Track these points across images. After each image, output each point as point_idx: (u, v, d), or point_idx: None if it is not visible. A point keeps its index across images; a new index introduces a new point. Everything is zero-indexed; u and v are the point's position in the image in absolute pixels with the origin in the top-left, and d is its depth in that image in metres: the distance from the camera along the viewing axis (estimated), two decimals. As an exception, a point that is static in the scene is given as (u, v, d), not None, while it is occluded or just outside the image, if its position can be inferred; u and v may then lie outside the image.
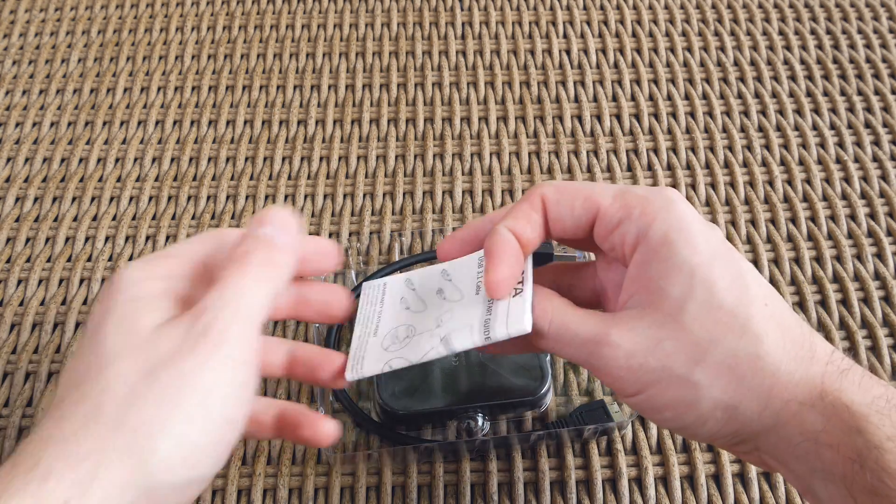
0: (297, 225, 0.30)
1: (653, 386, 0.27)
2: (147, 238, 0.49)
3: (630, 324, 0.28)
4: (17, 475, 0.23)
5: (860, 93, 0.57)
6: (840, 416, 0.26)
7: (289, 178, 0.52)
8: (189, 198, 0.51)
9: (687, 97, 0.57)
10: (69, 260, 0.48)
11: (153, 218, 0.50)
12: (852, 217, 0.51)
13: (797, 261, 0.49)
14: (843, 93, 0.57)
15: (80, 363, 0.26)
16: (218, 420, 0.26)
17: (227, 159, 0.53)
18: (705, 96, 0.57)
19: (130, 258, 0.48)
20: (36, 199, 0.51)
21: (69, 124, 0.55)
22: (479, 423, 0.40)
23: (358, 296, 0.45)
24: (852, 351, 0.45)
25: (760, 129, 0.55)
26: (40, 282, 0.47)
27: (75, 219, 0.50)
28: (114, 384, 0.25)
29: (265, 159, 0.53)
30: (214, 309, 0.26)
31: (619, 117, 0.56)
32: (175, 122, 0.55)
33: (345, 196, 0.51)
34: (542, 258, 0.47)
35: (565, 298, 0.30)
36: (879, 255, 0.49)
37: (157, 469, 0.24)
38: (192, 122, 0.55)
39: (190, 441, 0.25)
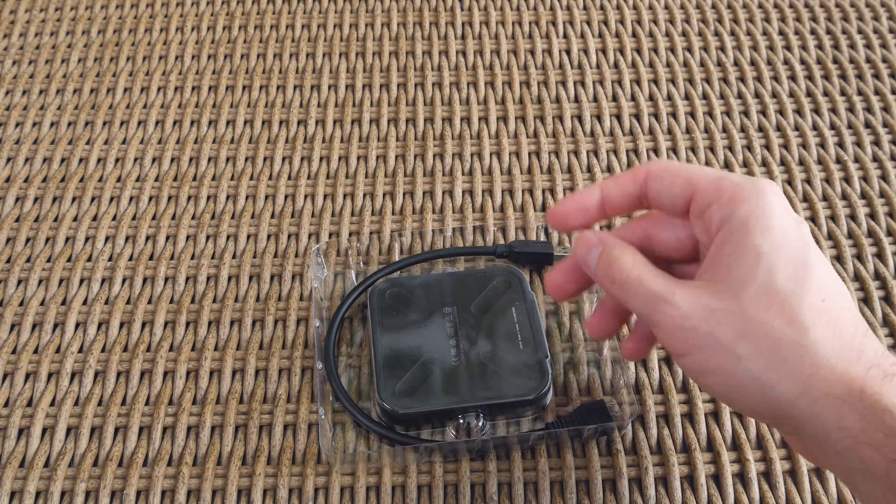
0: None
1: (700, 350, 0.30)
2: (147, 238, 0.49)
3: (694, 291, 0.30)
4: None
5: (860, 93, 0.57)
6: (881, 418, 0.27)
7: (289, 178, 0.52)
8: (189, 198, 0.51)
9: (687, 97, 0.57)
10: (69, 260, 0.48)
11: (153, 218, 0.50)
12: (852, 217, 0.51)
13: (797, 261, 0.49)
14: (843, 93, 0.57)
15: None
16: None
17: (227, 159, 0.53)
18: (705, 96, 0.57)
19: (130, 258, 0.48)
20: (36, 199, 0.51)
21: (69, 124, 0.55)
22: (479, 423, 0.40)
23: (356, 296, 0.45)
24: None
25: (760, 129, 0.55)
26: (40, 282, 0.47)
27: (75, 219, 0.50)
28: None
29: (265, 159, 0.53)
30: None
31: (619, 117, 0.56)
32: (175, 122, 0.55)
33: (345, 196, 0.51)
34: (542, 258, 0.47)
35: (642, 256, 0.33)
36: (879, 255, 0.49)
37: None
38: (192, 122, 0.55)
39: None
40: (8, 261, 0.48)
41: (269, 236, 0.49)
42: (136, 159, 0.53)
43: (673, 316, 0.30)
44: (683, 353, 0.30)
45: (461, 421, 0.40)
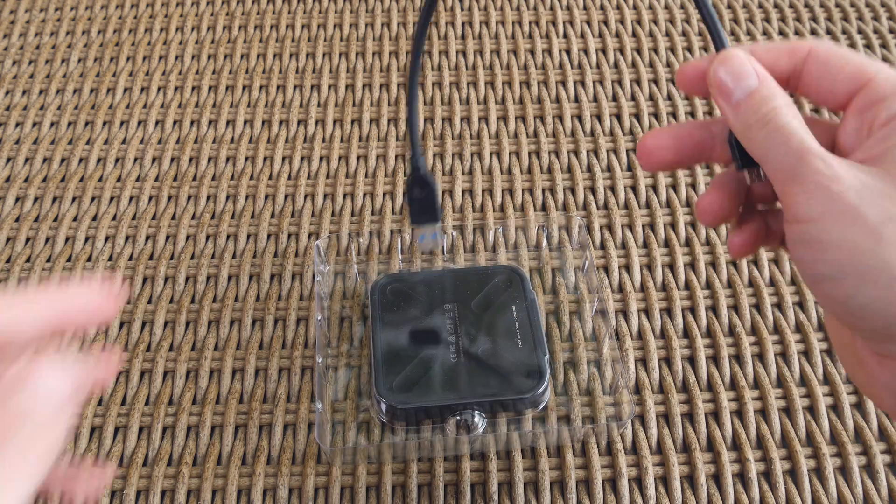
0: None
1: (835, 220, 0.26)
2: (147, 238, 0.49)
3: (851, 163, 0.27)
4: None
5: (860, 92, 0.57)
6: None
7: (289, 177, 0.52)
8: (189, 198, 0.51)
9: (687, 97, 0.57)
10: (69, 260, 0.48)
11: (153, 218, 0.50)
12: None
13: (797, 260, 0.49)
14: (843, 92, 0.57)
15: None
16: None
17: (227, 159, 0.53)
18: (705, 96, 0.57)
19: (130, 258, 0.48)
20: (36, 199, 0.51)
21: (69, 124, 0.55)
22: (476, 419, 0.40)
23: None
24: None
25: (760, 128, 0.55)
26: (40, 281, 0.47)
27: (75, 219, 0.50)
28: None
29: (265, 159, 0.53)
30: None
31: (619, 117, 0.56)
32: (175, 122, 0.55)
33: (345, 196, 0.51)
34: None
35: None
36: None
37: None
38: (192, 122, 0.55)
39: None
40: (8, 261, 0.48)
41: (269, 236, 0.49)
42: (136, 159, 0.53)
43: (822, 172, 0.26)
44: (813, 217, 0.26)
45: (458, 417, 0.40)
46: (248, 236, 0.49)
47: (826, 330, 0.36)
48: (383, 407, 0.40)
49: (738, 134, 0.29)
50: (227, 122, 0.55)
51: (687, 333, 0.45)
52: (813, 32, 0.61)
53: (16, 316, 0.28)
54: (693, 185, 0.52)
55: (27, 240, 0.49)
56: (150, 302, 0.46)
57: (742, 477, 0.41)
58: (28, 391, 0.26)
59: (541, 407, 0.41)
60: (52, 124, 0.55)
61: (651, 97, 0.57)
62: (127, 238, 0.49)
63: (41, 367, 0.27)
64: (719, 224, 0.34)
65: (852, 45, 0.60)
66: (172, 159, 0.53)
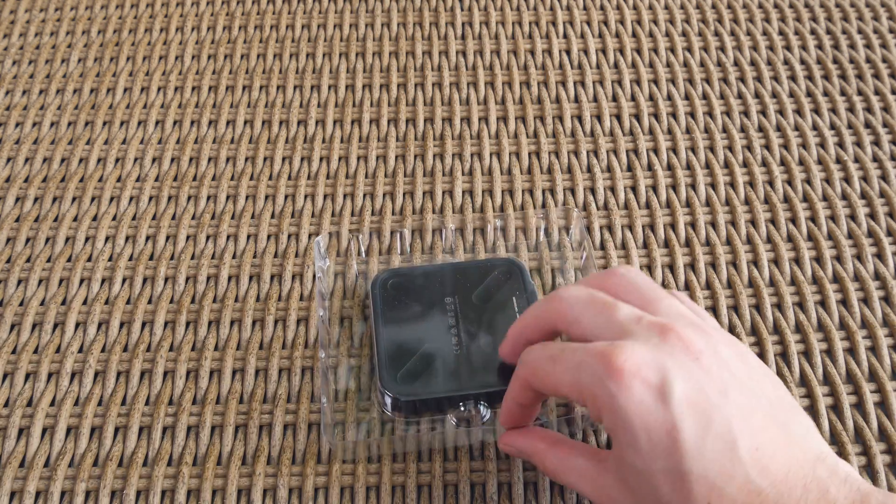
0: None
1: None
2: (147, 238, 0.49)
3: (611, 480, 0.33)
4: None
5: (860, 93, 0.57)
6: None
7: (289, 178, 0.52)
8: (189, 198, 0.51)
9: (687, 97, 0.57)
10: (69, 260, 0.48)
11: (153, 218, 0.50)
12: (852, 217, 0.51)
13: (797, 261, 0.49)
14: (843, 93, 0.57)
15: None
16: None
17: (227, 159, 0.53)
18: (705, 96, 0.57)
19: (130, 258, 0.48)
20: (36, 199, 0.51)
21: (69, 124, 0.55)
22: (481, 411, 0.40)
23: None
24: (852, 352, 0.45)
25: (760, 129, 0.55)
26: (40, 282, 0.47)
27: (75, 219, 0.50)
28: None
29: (265, 159, 0.53)
30: None
31: (619, 117, 0.56)
32: (175, 122, 0.55)
33: (345, 196, 0.51)
34: None
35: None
36: (879, 255, 0.49)
37: None
38: (192, 122, 0.55)
39: None
40: (8, 261, 0.48)
41: (269, 236, 0.49)
42: (136, 159, 0.53)
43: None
44: None
45: (462, 408, 0.40)
46: (248, 237, 0.49)
47: None
48: (387, 399, 0.40)
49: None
50: (228, 122, 0.55)
51: (687, 334, 0.45)
52: (813, 33, 0.61)
53: None
54: (693, 186, 0.52)
55: (27, 240, 0.49)
56: (149, 302, 0.46)
57: (742, 477, 0.40)
58: None
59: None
60: (52, 124, 0.55)
61: (651, 97, 0.57)
62: (127, 238, 0.49)
63: None
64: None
65: (852, 46, 0.60)
66: (172, 159, 0.53)
